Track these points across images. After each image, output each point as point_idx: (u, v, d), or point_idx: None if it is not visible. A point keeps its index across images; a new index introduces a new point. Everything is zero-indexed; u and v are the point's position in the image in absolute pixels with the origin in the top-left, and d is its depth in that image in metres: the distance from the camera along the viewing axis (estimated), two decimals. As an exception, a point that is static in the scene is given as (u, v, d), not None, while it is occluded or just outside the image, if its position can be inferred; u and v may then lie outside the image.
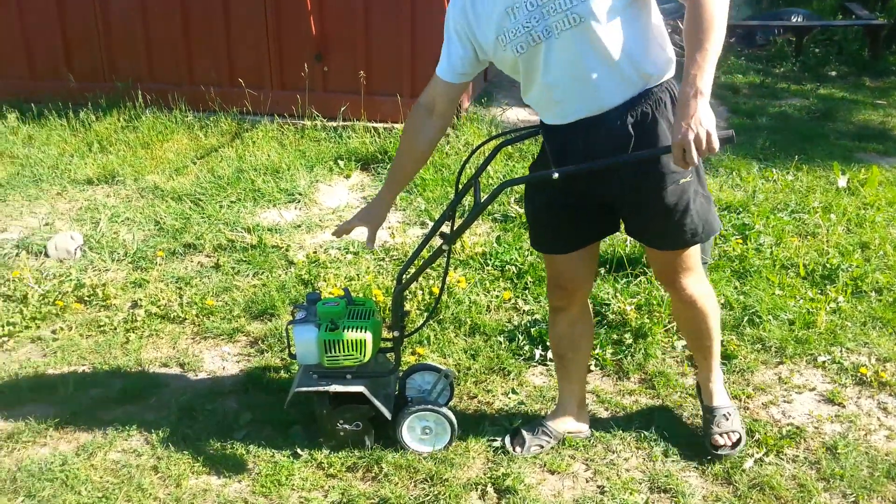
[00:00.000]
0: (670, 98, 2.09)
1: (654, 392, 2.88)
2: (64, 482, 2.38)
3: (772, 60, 8.75)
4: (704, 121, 1.80)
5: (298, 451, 2.52)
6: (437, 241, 2.36)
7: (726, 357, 3.08)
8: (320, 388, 2.47)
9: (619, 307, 3.28)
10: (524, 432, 2.58)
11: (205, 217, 4.32)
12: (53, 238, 3.98)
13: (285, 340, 3.08)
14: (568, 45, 1.99)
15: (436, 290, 3.42)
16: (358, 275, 3.67)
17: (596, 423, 2.70)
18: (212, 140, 5.45)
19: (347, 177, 5.03)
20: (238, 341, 3.21)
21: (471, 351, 3.11)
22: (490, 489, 2.37)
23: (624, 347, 3.12)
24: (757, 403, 2.83)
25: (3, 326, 3.22)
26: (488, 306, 3.45)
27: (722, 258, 3.85)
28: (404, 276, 2.50)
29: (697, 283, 2.35)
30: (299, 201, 4.62)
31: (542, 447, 2.54)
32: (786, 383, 2.95)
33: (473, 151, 2.50)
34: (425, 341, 3.16)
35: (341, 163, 5.14)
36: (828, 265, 3.78)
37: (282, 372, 2.98)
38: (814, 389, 2.93)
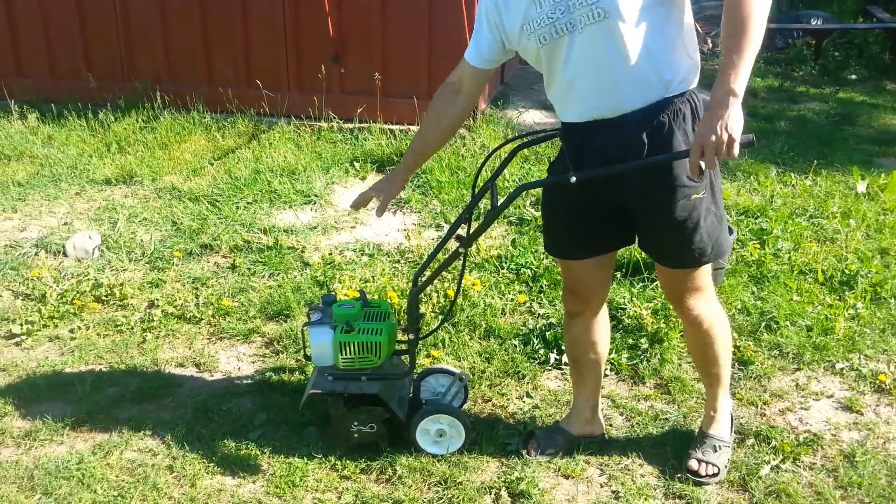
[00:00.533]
0: (690, 111, 2.06)
1: (669, 397, 2.87)
2: (80, 480, 2.40)
3: (791, 64, 8.68)
4: (731, 124, 1.79)
5: (313, 452, 2.53)
6: (453, 244, 2.36)
7: (743, 363, 3.06)
8: (335, 390, 2.47)
9: (635, 312, 3.27)
10: (538, 435, 2.57)
11: (221, 218, 4.35)
12: (72, 238, 4.02)
13: (300, 342, 3.10)
14: (590, 41, 1.97)
15: (451, 293, 3.41)
16: (373, 277, 3.67)
17: (611, 428, 2.69)
18: (229, 141, 5.48)
19: (363, 179, 5.04)
20: (254, 342, 3.23)
21: (485, 354, 3.11)
22: (504, 493, 2.36)
23: (640, 352, 3.10)
24: (774, 410, 2.81)
25: (21, 325, 3.26)
26: (503, 310, 3.44)
27: (739, 263, 3.82)
28: (420, 278, 2.50)
29: (705, 304, 2.29)
30: (315, 203, 4.64)
31: (555, 451, 2.53)
32: (803, 390, 2.92)
33: (490, 154, 2.50)
34: (440, 344, 3.16)
35: (357, 164, 5.15)
36: (846, 271, 3.75)
37: (297, 373, 2.99)
38: (832, 396, 2.90)
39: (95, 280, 3.60)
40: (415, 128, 5.53)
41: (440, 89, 2.36)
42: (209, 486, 2.39)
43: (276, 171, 4.97)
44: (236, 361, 3.10)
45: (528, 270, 3.75)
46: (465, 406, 2.76)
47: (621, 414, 2.78)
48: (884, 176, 5.12)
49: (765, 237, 4.07)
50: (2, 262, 3.85)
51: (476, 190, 2.47)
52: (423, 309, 3.30)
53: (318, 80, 5.67)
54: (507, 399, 2.84)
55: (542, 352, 3.10)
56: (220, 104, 5.90)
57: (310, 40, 5.74)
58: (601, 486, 2.42)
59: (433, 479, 2.41)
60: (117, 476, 2.43)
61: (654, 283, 3.58)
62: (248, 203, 4.57)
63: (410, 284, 3.34)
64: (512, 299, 3.51)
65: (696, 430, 2.60)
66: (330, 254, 3.97)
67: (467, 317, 3.33)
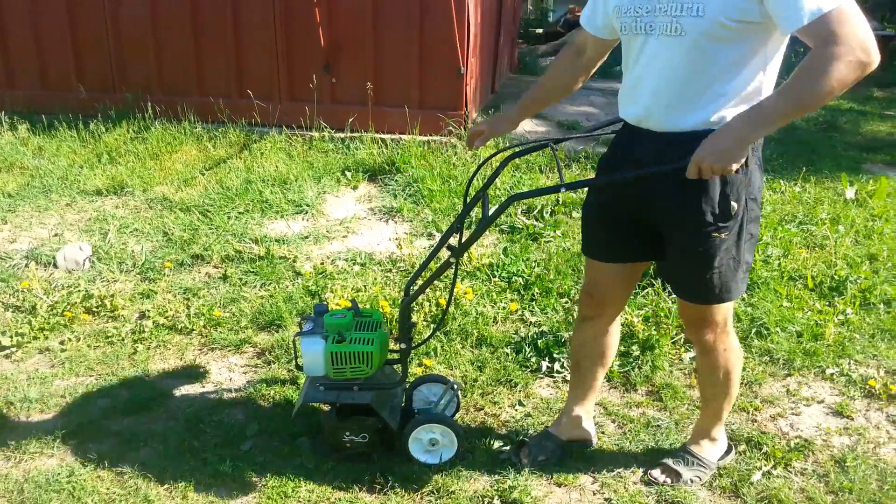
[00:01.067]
0: None
1: (661, 404, 2.87)
2: (71, 493, 2.39)
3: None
4: (727, 158, 1.81)
5: (305, 463, 2.52)
6: (444, 254, 2.37)
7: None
8: (327, 400, 2.47)
9: (627, 319, 3.27)
10: (529, 443, 2.57)
11: (213, 228, 4.34)
12: (62, 249, 4.01)
13: (292, 352, 3.09)
14: (662, 50, 1.97)
15: (443, 302, 3.42)
16: (365, 286, 3.67)
17: (603, 435, 2.69)
18: (220, 151, 5.48)
19: (355, 188, 5.05)
20: (245, 352, 3.22)
21: (477, 363, 3.11)
22: (497, 502, 2.36)
23: (631, 359, 3.11)
24: (765, 416, 2.82)
25: (12, 337, 3.24)
26: (495, 318, 3.44)
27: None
28: (412, 288, 2.50)
29: (716, 338, 2.26)
30: (307, 212, 4.64)
31: (546, 457, 2.53)
32: (794, 395, 2.94)
33: (482, 164, 2.51)
34: (432, 353, 3.16)
35: (349, 174, 5.16)
36: (836, 277, 3.77)
37: (288, 384, 2.98)
38: (822, 402, 2.91)
39: (86, 291, 3.59)
40: (406, 137, 5.55)
41: (565, 49, 2.40)
42: (201, 499, 2.38)
43: (267, 180, 4.97)
44: (228, 372, 3.09)
45: (520, 279, 3.76)
46: (458, 415, 2.76)
47: (613, 421, 2.79)
48: (872, 182, 5.16)
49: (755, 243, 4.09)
50: (-8, 273, 3.83)
51: (468, 199, 2.48)
52: (414, 318, 3.31)
53: (309, 89, 5.69)
54: (500, 407, 2.84)
55: (533, 360, 3.11)
56: (211, 114, 5.90)
57: (301, 50, 5.76)
58: (594, 494, 2.42)
59: (426, 488, 2.41)
60: (108, 489, 2.42)
61: (645, 291, 3.59)
62: (239, 213, 4.57)
63: (402, 294, 3.34)
64: (504, 307, 3.52)
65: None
66: (322, 263, 3.97)
67: (459, 325, 3.33)
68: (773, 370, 3.09)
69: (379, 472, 2.46)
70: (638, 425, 2.75)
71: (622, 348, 3.16)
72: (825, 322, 3.37)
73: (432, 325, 3.30)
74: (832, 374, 3.07)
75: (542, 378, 3.04)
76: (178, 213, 4.53)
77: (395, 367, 2.69)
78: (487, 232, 4.29)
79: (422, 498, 2.38)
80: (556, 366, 3.06)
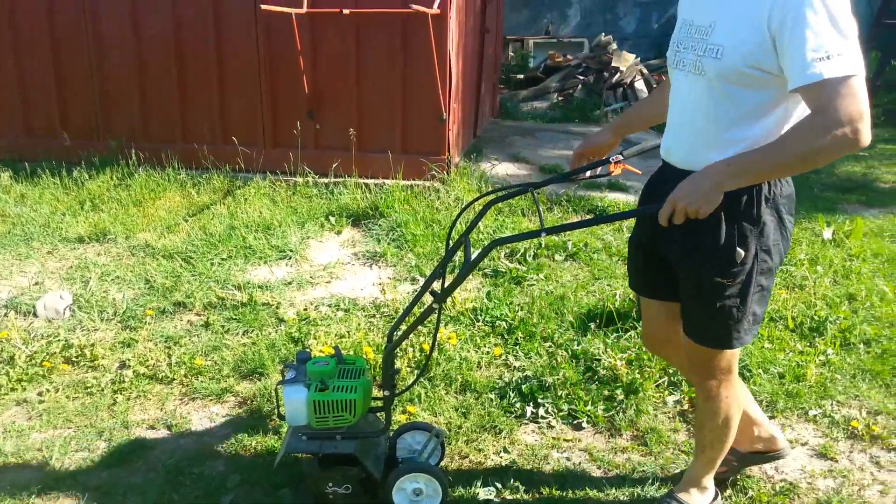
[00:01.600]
0: (747, 198, 1.99)
1: (646, 448, 2.86)
2: (46, 551, 2.33)
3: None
4: (700, 202, 1.84)
5: (287, 514, 2.48)
6: (428, 299, 2.37)
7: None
8: (310, 450, 2.44)
9: (610, 362, 3.28)
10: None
11: (195, 275, 4.33)
12: (43, 297, 3.97)
13: (274, 401, 3.06)
14: (687, 87, 2.04)
15: (426, 348, 3.41)
16: (349, 332, 3.66)
17: (589, 482, 2.67)
18: (204, 197, 5.49)
19: (339, 233, 5.07)
20: (227, 402, 3.19)
21: (462, 409, 3.09)
22: (482, 552, 2.33)
23: (615, 403, 3.10)
24: (750, 459, 2.81)
25: (-11, 389, 3.19)
26: (479, 363, 3.44)
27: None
28: (395, 334, 2.50)
29: (720, 385, 2.25)
30: (290, 258, 4.64)
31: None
32: (778, 438, 2.93)
33: (463, 209, 2.54)
34: (416, 399, 3.14)
35: (332, 219, 5.18)
36: (816, 317, 3.81)
37: (271, 433, 2.95)
38: (806, 444, 2.92)
39: (66, 341, 3.55)
40: (390, 181, 5.59)
41: (665, 81, 2.37)
42: (180, 554, 2.33)
43: (251, 226, 4.98)
44: (209, 422, 3.05)
45: (504, 323, 3.76)
46: (442, 463, 2.73)
47: (599, 467, 2.77)
48: (848, 222, 5.25)
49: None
50: (-30, 323, 3.78)
51: (450, 244, 2.50)
52: (398, 364, 3.29)
53: (293, 135, 5.74)
54: (484, 455, 2.82)
55: (518, 405, 3.10)
56: (195, 161, 5.93)
57: (285, 97, 5.82)
58: (580, 543, 2.40)
59: (410, 539, 2.37)
60: (85, 545, 2.36)
61: (629, 334, 3.60)
62: (222, 259, 4.56)
63: (386, 340, 3.33)
64: (488, 352, 3.52)
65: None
66: (305, 309, 3.95)
67: (443, 371, 3.32)
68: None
69: (362, 524, 2.43)
70: (623, 471, 2.73)
71: (606, 392, 3.16)
72: (807, 363, 3.40)
73: (416, 371, 3.29)
74: (815, 416, 3.07)
75: (526, 424, 3.02)
76: (161, 260, 4.52)
77: (378, 414, 2.68)
78: (471, 276, 4.31)
79: (406, 549, 2.35)
80: (541, 411, 3.05)
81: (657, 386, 3.22)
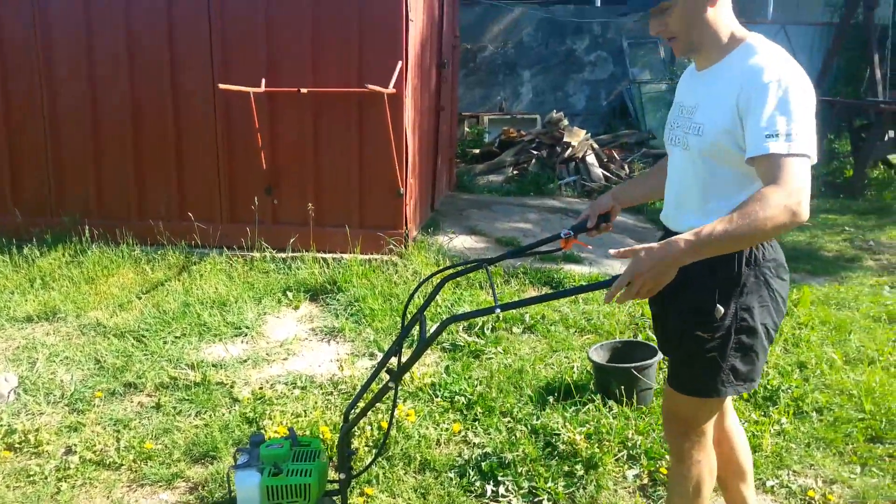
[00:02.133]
0: (728, 259, 2.08)
1: (607, 526, 2.84)
2: None
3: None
4: (658, 274, 1.90)
5: None
6: (385, 375, 2.36)
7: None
8: (262, 538, 2.37)
9: (569, 437, 3.27)
10: None
11: (147, 354, 4.23)
12: (-14, 381, 3.83)
13: (227, 486, 2.97)
14: (678, 160, 2.24)
15: (384, 425, 3.36)
16: (305, 411, 3.60)
17: (550, 562, 2.63)
18: (158, 274, 5.42)
19: (296, 308, 5.03)
20: (177, 487, 3.08)
21: (421, 489, 3.04)
22: None
23: (575, 479, 3.08)
24: (710, 534, 2.80)
25: (-77, 480, 3.04)
26: (438, 440, 3.40)
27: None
28: (351, 413, 2.47)
29: (692, 446, 2.28)
30: (246, 334, 4.58)
31: None
32: (737, 511, 2.93)
33: (419, 285, 2.56)
34: (374, 480, 3.08)
35: (290, 294, 5.15)
36: (769, 386, 3.87)
37: (223, 519, 2.85)
38: (765, 516, 2.92)
39: (9, 426, 3.41)
40: (348, 255, 5.61)
41: (664, 159, 2.52)
42: None
43: (206, 303, 4.91)
44: (158, 509, 2.94)
45: (463, 398, 3.74)
46: (401, 546, 2.67)
47: (560, 546, 2.73)
48: (796, 291, 5.40)
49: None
50: None
51: (406, 320, 2.50)
52: (355, 443, 3.24)
53: (251, 211, 5.74)
54: (444, 536, 2.76)
55: (478, 484, 3.05)
56: (150, 237, 5.87)
57: (243, 173, 5.85)
58: None
59: None
60: None
61: (587, 407, 3.61)
62: (175, 337, 4.47)
63: (342, 419, 3.29)
64: (447, 429, 3.48)
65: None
66: (260, 388, 3.88)
67: (402, 449, 3.27)
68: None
69: None
70: (585, 549, 2.70)
71: (566, 468, 3.14)
72: (762, 433, 3.43)
73: (374, 451, 3.23)
74: (772, 487, 3.09)
75: (487, 503, 2.98)
76: (112, 339, 4.41)
77: (335, 497, 2.61)
78: (429, 350, 4.29)
79: None
80: (501, 489, 3.02)
81: (616, 460, 3.21)
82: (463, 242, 6.36)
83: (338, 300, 5.05)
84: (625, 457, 3.23)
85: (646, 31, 15.07)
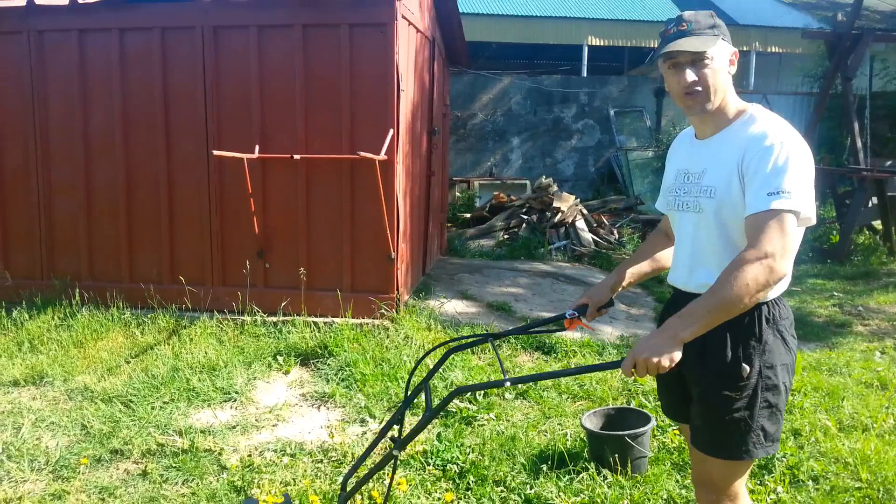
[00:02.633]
0: (749, 319, 2.15)
1: None
2: None
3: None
4: (658, 353, 1.97)
5: None
6: (388, 444, 2.34)
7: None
8: None
9: (564, 506, 3.22)
10: None
11: (135, 420, 4.17)
12: (-32, 447, 3.75)
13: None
14: (688, 224, 2.30)
15: (375, 495, 3.30)
16: (294, 479, 3.53)
17: None
18: (148, 338, 5.38)
19: (286, 373, 4.99)
20: (163, 559, 2.99)
21: (413, 561, 2.97)
22: None
23: (570, 551, 3.03)
24: None
25: None
26: (430, 510, 3.34)
27: (661, 450, 3.87)
28: (349, 482, 2.44)
29: (716, 500, 2.28)
30: (235, 400, 4.52)
31: None
32: (735, 584, 2.88)
33: (424, 356, 2.57)
34: (365, 552, 3.01)
35: (280, 358, 5.11)
36: (763, 454, 3.83)
37: None
38: (764, 589, 2.86)
39: (-10, 495, 3.33)
40: (339, 320, 5.59)
41: (655, 231, 2.68)
42: None
43: (195, 367, 4.87)
44: (142, 583, 2.85)
45: (455, 466, 3.69)
46: None
47: None
48: (787, 357, 5.40)
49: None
50: None
51: (409, 391, 2.50)
52: (346, 513, 3.17)
53: (242, 274, 5.75)
54: None
55: (471, 555, 2.99)
56: (141, 300, 5.85)
57: (235, 237, 5.88)
58: None
59: None
60: None
61: (581, 476, 3.57)
62: (164, 403, 4.41)
63: (335, 487, 3.23)
64: (439, 498, 3.42)
65: None
66: (249, 455, 3.82)
67: (393, 520, 3.21)
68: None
69: None
70: None
71: (561, 539, 3.08)
72: (758, 503, 3.39)
73: (365, 521, 3.16)
74: (770, 558, 3.04)
75: (480, 575, 2.91)
76: (99, 404, 4.35)
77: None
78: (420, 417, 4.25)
79: None
80: (495, 561, 2.95)
81: (612, 530, 3.16)
82: (455, 307, 6.36)
83: (329, 365, 5.02)
84: (620, 527, 3.18)
85: (632, 99, 15.47)
